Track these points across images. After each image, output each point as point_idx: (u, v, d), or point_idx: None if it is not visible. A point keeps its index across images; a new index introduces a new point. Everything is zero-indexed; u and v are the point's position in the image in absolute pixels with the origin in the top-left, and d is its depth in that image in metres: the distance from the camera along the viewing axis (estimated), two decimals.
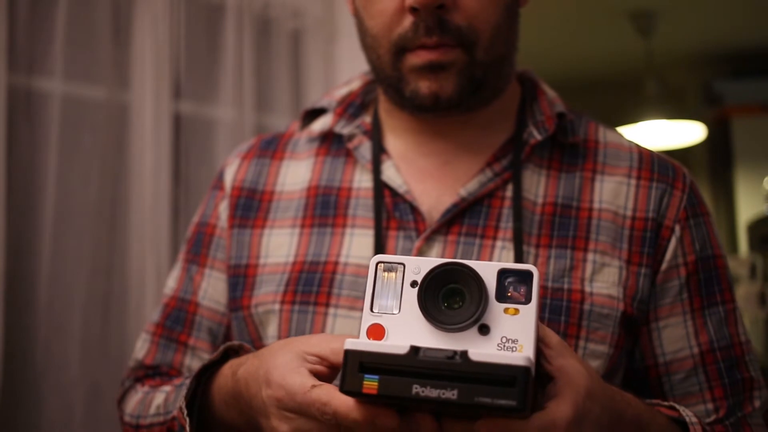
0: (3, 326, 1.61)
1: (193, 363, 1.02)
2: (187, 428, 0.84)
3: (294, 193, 1.03)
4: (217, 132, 2.18)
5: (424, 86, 0.92)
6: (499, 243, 0.93)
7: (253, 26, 2.25)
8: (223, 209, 1.05)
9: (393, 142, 1.02)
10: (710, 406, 0.92)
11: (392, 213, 0.96)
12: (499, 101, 1.00)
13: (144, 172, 1.95)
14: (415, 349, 0.63)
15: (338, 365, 0.72)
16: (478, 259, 0.92)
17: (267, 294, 0.97)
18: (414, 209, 0.95)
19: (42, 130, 1.77)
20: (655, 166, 0.99)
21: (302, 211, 1.01)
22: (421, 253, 0.93)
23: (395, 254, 0.93)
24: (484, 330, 0.67)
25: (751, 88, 4.67)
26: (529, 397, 0.61)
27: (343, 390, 0.64)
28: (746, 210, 4.57)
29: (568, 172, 0.98)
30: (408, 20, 0.90)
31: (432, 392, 0.61)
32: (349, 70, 2.23)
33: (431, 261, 0.68)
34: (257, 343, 0.97)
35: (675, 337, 0.94)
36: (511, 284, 0.68)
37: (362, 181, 1.00)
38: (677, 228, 0.95)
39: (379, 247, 0.94)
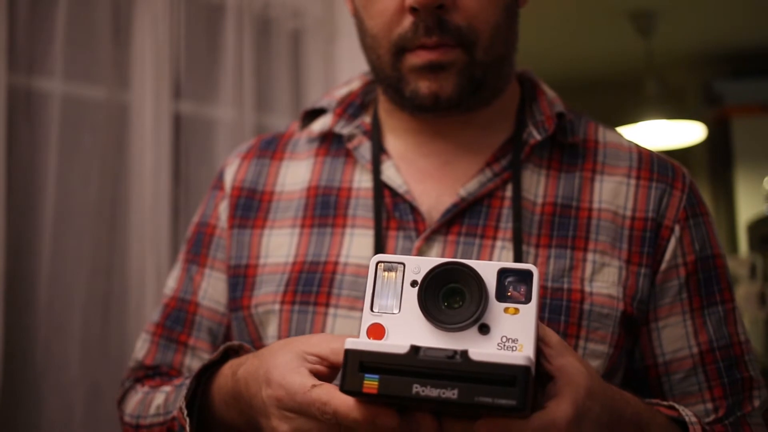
0: (3, 326, 1.61)
1: (193, 363, 1.02)
2: (187, 428, 0.84)
3: (294, 193, 1.03)
4: (217, 132, 2.19)
5: (423, 86, 0.92)
6: (498, 243, 0.93)
7: (253, 26, 2.25)
8: (223, 209, 1.05)
9: (393, 142, 1.02)
10: (710, 405, 0.92)
11: (392, 213, 0.96)
12: (498, 101, 1.00)
13: (144, 172, 1.95)
14: (415, 349, 0.63)
15: (338, 365, 0.72)
16: (477, 259, 0.92)
17: (267, 294, 0.97)
18: (414, 209, 0.95)
19: (42, 130, 1.78)
20: (655, 166, 0.99)
21: (302, 211, 1.01)
22: (421, 253, 0.93)
23: (395, 254, 0.93)
24: (484, 329, 0.67)
25: (751, 88, 4.67)
26: (529, 396, 0.61)
27: (344, 389, 0.64)
28: (746, 210, 4.57)
29: (567, 172, 0.98)
30: (408, 20, 0.90)
31: (432, 392, 0.61)
32: (349, 70, 2.23)
33: (431, 261, 0.68)
34: (257, 343, 0.97)
35: (674, 336, 0.94)
36: (511, 284, 0.68)
37: (362, 181, 1.00)
38: (677, 228, 0.95)
39: (379, 247, 0.94)
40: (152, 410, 0.94)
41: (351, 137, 1.02)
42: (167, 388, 0.96)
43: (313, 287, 0.95)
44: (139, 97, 1.97)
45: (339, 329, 0.92)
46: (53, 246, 1.76)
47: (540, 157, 0.99)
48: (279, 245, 1.00)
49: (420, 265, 0.69)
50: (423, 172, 0.99)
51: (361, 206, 0.98)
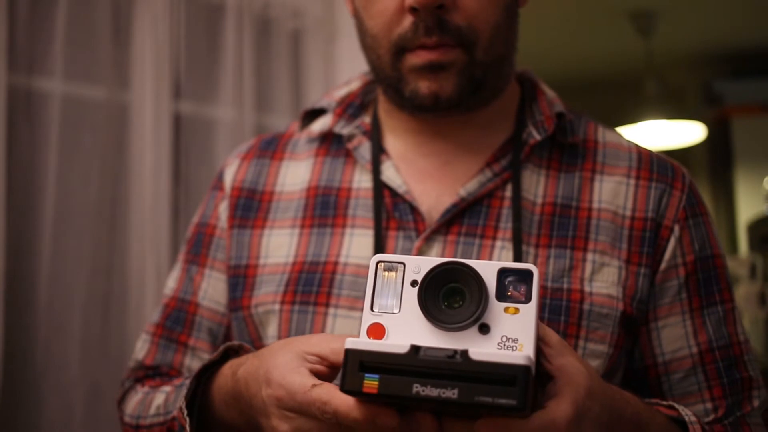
0: (3, 326, 1.61)
1: (193, 363, 1.02)
2: (187, 428, 0.84)
3: (294, 193, 1.03)
4: (217, 132, 2.19)
5: (423, 86, 0.92)
6: (498, 243, 0.93)
7: (253, 26, 2.25)
8: (223, 210, 1.05)
9: (392, 142, 1.02)
10: (709, 405, 0.92)
11: (392, 213, 0.96)
12: (498, 101, 1.00)
13: (144, 172, 1.95)
14: (415, 349, 0.63)
15: (338, 365, 0.72)
16: (477, 258, 0.92)
17: (267, 294, 0.97)
18: (414, 209, 0.95)
19: (42, 130, 1.78)
20: (655, 166, 0.99)
21: (302, 212, 1.01)
22: (420, 253, 0.93)
23: (395, 254, 0.93)
24: (485, 329, 0.67)
25: (751, 88, 4.67)
26: (529, 396, 0.61)
27: (344, 389, 0.64)
28: (746, 210, 4.57)
29: (567, 172, 0.98)
30: (408, 20, 0.90)
31: (432, 391, 0.61)
32: (349, 70, 2.23)
33: (431, 260, 0.68)
34: (257, 344, 0.97)
35: (674, 336, 0.94)
36: (511, 283, 0.68)
37: (362, 181, 1.00)
38: (676, 228, 0.95)
39: (379, 247, 0.94)
40: (152, 410, 0.94)
41: (351, 137, 1.02)
42: (167, 388, 0.96)
43: (313, 287, 0.95)
44: (139, 97, 1.97)
45: (339, 329, 0.92)
46: (53, 246, 1.76)
47: (540, 157, 0.99)
48: (279, 245, 1.00)
49: (420, 265, 0.69)
50: (423, 172, 0.99)
51: (361, 206, 0.98)
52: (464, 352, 0.62)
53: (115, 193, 1.91)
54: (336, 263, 0.96)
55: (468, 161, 0.98)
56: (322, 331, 0.93)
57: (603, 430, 0.70)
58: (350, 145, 1.02)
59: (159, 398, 0.95)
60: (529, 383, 0.61)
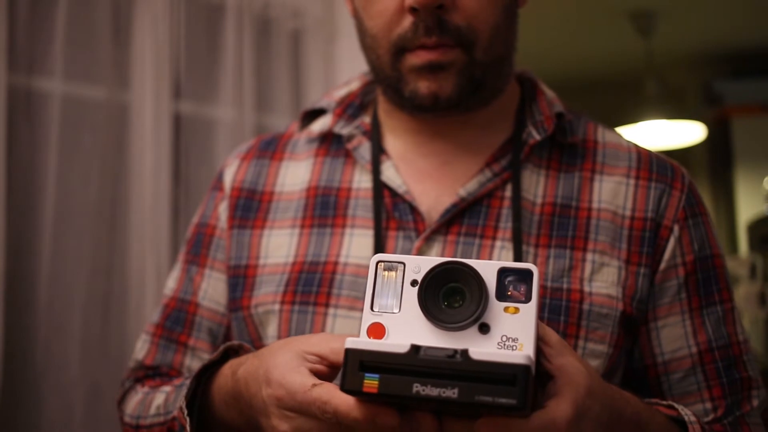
0: (3, 326, 1.61)
1: (193, 363, 1.02)
2: (188, 428, 0.84)
3: (293, 193, 1.03)
4: (217, 132, 2.19)
5: (423, 86, 0.92)
6: (498, 243, 0.93)
7: (253, 26, 2.25)
8: (223, 210, 1.05)
9: (392, 142, 1.02)
10: (708, 405, 0.92)
11: (392, 213, 0.96)
12: (498, 101, 1.00)
13: (144, 172, 1.95)
14: (415, 348, 0.63)
15: (338, 365, 0.72)
16: (477, 258, 0.92)
17: (267, 294, 0.97)
18: (413, 209, 0.95)
19: (42, 130, 1.78)
20: (654, 166, 0.99)
21: (302, 212, 1.01)
22: (420, 253, 0.93)
23: (395, 254, 0.93)
24: (485, 329, 0.67)
25: (751, 88, 4.67)
26: (529, 395, 0.61)
27: (344, 389, 0.64)
28: (746, 210, 4.57)
29: (567, 172, 0.98)
30: (407, 20, 0.90)
31: (432, 391, 0.61)
32: (349, 70, 2.23)
33: (431, 260, 0.68)
34: (257, 344, 0.97)
35: (673, 336, 0.94)
36: (511, 283, 0.68)
37: (362, 181, 1.00)
38: (676, 228, 0.95)
39: (379, 248, 0.94)
40: (152, 410, 0.94)
41: (350, 137, 1.02)
42: (167, 389, 0.96)
43: (313, 287, 0.95)
44: (139, 97, 1.97)
45: (339, 329, 0.92)
46: (53, 246, 1.77)
47: (539, 157, 0.99)
48: (279, 245, 1.00)
49: (420, 265, 0.69)
50: (422, 172, 0.99)
51: (361, 206, 0.98)
52: (464, 352, 0.62)
53: (115, 193, 1.91)
54: (336, 263, 0.96)
55: (468, 161, 0.98)
56: (322, 331, 0.93)
57: (603, 429, 0.71)
58: (350, 146, 1.02)
59: (159, 398, 0.95)
60: (529, 383, 0.61)
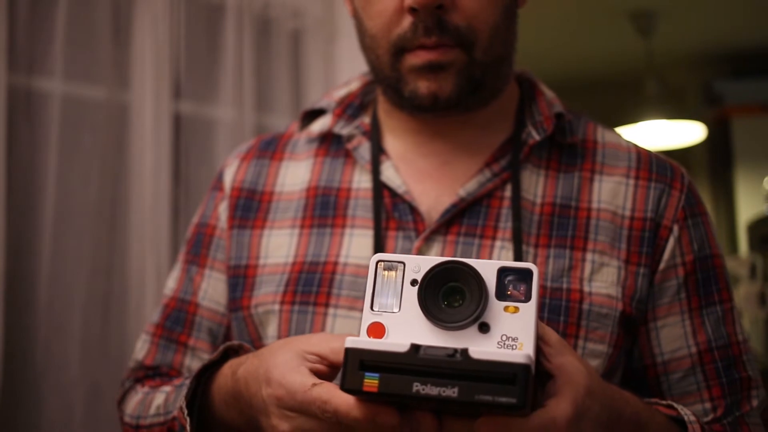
0: (3, 326, 1.61)
1: (193, 363, 1.02)
2: (188, 428, 0.84)
3: (293, 193, 1.03)
4: (217, 132, 2.19)
5: (423, 86, 0.92)
6: (498, 243, 0.93)
7: (253, 26, 2.25)
8: (223, 210, 1.06)
9: (392, 142, 1.02)
10: (708, 405, 0.92)
11: (391, 213, 0.96)
12: (497, 102, 1.00)
13: (144, 172, 1.95)
14: (415, 347, 0.63)
15: (338, 364, 0.72)
16: (477, 259, 0.92)
17: (267, 294, 0.97)
18: (413, 209, 0.95)
19: (42, 130, 1.78)
20: (654, 166, 0.99)
21: (302, 212, 1.01)
22: (420, 253, 0.93)
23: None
24: (484, 328, 0.67)
25: (751, 88, 4.67)
26: (529, 394, 0.61)
27: (344, 388, 0.64)
28: (746, 210, 4.57)
29: (566, 173, 0.98)
30: (407, 21, 0.90)
31: (432, 390, 0.62)
32: (349, 70, 2.23)
33: (431, 259, 0.68)
34: (257, 344, 0.97)
35: (673, 336, 0.94)
36: (511, 282, 0.68)
37: (361, 181, 1.00)
38: (675, 228, 0.95)
39: (379, 248, 0.94)
40: (152, 410, 0.94)
41: (350, 138, 1.02)
42: (167, 389, 0.96)
43: (313, 287, 0.95)
44: (139, 97, 1.97)
45: (339, 329, 0.92)
46: (53, 246, 1.77)
47: (539, 157, 0.99)
48: (279, 245, 1.00)
49: (420, 264, 0.69)
50: (422, 173, 0.99)
51: (361, 206, 0.98)
52: (464, 351, 0.62)
53: (115, 193, 1.91)
54: (336, 263, 0.96)
55: (467, 161, 0.98)
56: (322, 331, 0.93)
57: (602, 429, 0.71)
58: (350, 146, 1.02)
59: (159, 398, 0.95)
60: (529, 382, 0.61)
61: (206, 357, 1.00)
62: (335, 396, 0.67)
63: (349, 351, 0.64)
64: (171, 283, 1.08)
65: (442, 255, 0.92)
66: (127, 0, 1.97)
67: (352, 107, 1.06)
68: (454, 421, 0.66)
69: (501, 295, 0.67)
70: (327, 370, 0.73)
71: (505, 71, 0.99)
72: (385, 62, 0.94)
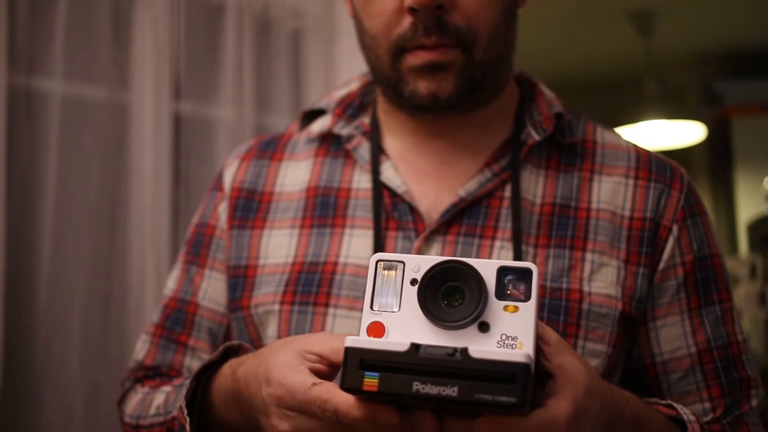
0: (3, 326, 1.61)
1: (193, 363, 1.02)
2: (188, 428, 0.84)
3: (293, 194, 1.03)
4: (217, 132, 2.19)
5: (422, 86, 0.92)
6: (497, 243, 0.93)
7: (253, 26, 2.25)
8: (223, 210, 1.06)
9: (392, 142, 1.02)
10: (707, 405, 0.93)
11: (391, 213, 0.96)
12: (497, 102, 1.00)
13: (144, 172, 1.95)
14: (415, 347, 0.63)
15: (338, 364, 0.72)
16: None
17: (267, 294, 0.97)
18: (413, 210, 0.95)
19: (42, 130, 1.78)
20: (653, 167, 0.99)
21: (301, 212, 1.01)
22: (420, 253, 0.93)
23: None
24: (484, 327, 0.67)
25: (751, 88, 4.68)
26: (529, 393, 0.62)
27: (344, 387, 0.64)
28: (746, 210, 4.57)
29: (566, 173, 0.98)
30: (407, 21, 0.90)
31: (432, 389, 0.62)
32: (349, 70, 2.23)
33: (431, 259, 0.69)
34: (257, 344, 0.97)
35: (672, 336, 0.94)
36: (511, 282, 0.68)
37: (361, 181, 1.00)
38: (675, 228, 0.95)
39: (379, 248, 0.94)
40: (152, 410, 0.94)
41: (350, 138, 1.02)
42: (167, 389, 0.96)
43: (313, 287, 0.95)
44: (139, 97, 1.97)
45: (338, 329, 0.92)
46: (53, 246, 1.77)
47: (539, 157, 0.99)
48: (278, 246, 1.00)
49: (420, 264, 0.69)
50: (422, 173, 0.99)
51: (361, 207, 0.98)
52: (464, 350, 0.62)
53: (115, 193, 1.91)
54: (335, 263, 0.96)
55: (467, 161, 0.98)
56: (322, 331, 0.93)
57: (602, 428, 0.71)
58: (349, 146, 1.02)
59: (159, 398, 0.95)
60: (529, 381, 0.61)
61: (206, 357, 1.00)
62: (335, 395, 0.67)
63: (348, 350, 0.64)
64: (171, 284, 1.08)
65: (441, 255, 0.92)
66: (127, 0, 1.97)
67: (352, 107, 1.06)
68: (454, 420, 0.66)
69: (501, 294, 0.67)
70: (327, 370, 0.73)
71: (505, 71, 0.99)
72: (384, 62, 0.94)
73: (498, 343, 0.66)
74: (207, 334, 1.03)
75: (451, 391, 0.61)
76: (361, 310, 0.69)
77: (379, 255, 0.70)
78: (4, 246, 1.62)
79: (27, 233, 1.74)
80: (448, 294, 0.68)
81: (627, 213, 0.96)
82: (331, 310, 0.93)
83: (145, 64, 1.97)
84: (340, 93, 1.09)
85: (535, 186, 0.97)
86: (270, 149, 1.09)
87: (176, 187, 2.05)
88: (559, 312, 0.90)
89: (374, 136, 1.02)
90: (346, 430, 0.68)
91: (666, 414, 0.84)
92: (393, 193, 0.97)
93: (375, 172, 0.98)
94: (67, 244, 1.80)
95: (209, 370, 0.88)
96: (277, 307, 0.96)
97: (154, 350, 1.04)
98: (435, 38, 0.89)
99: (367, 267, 0.71)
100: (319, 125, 1.07)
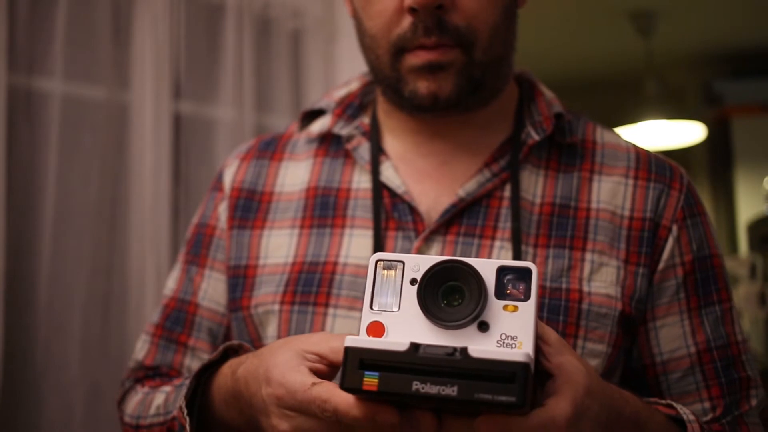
0: (3, 326, 1.61)
1: (193, 363, 1.02)
2: (187, 428, 0.84)
3: (293, 194, 1.03)
4: (217, 132, 2.19)
5: (422, 86, 0.92)
6: (497, 243, 0.93)
7: (253, 26, 2.25)
8: (223, 210, 1.06)
9: (391, 142, 1.02)
10: (707, 404, 0.93)
11: (391, 213, 0.96)
12: (497, 102, 1.00)
13: (144, 172, 1.95)
14: (415, 346, 0.63)
15: (338, 364, 0.72)
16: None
17: (267, 294, 0.97)
18: (413, 210, 0.95)
19: (42, 130, 1.78)
20: (653, 167, 0.99)
21: (301, 212, 1.01)
22: (420, 253, 0.93)
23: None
24: (484, 327, 0.67)
25: (751, 88, 4.68)
26: (528, 393, 0.62)
27: (344, 387, 0.64)
28: (746, 210, 4.57)
29: (566, 173, 0.98)
30: (407, 21, 0.90)
31: (432, 389, 0.62)
32: (349, 70, 2.23)
33: (431, 258, 0.69)
34: (257, 344, 0.97)
35: (672, 336, 0.94)
36: (510, 281, 0.68)
37: (361, 181, 1.00)
38: (674, 228, 0.95)
39: (378, 248, 0.94)
40: (152, 410, 0.94)
41: (350, 138, 1.02)
42: (167, 389, 0.96)
43: (313, 287, 0.95)
44: (139, 97, 1.97)
45: (338, 329, 0.92)
46: (53, 246, 1.77)
47: (538, 157, 0.99)
48: (278, 246, 1.00)
49: (419, 263, 0.69)
50: (422, 173, 0.99)
51: (360, 207, 0.98)
52: (464, 350, 0.62)
53: (115, 193, 1.91)
54: (335, 263, 0.96)
55: (467, 161, 0.99)
56: (322, 331, 0.93)
57: (602, 428, 0.71)
58: (349, 146, 1.02)
59: (159, 398, 0.95)
60: (529, 380, 0.61)
61: (206, 357, 1.00)
62: (335, 395, 0.67)
63: (348, 350, 0.64)
64: (171, 284, 1.08)
65: (441, 255, 0.92)
66: (127, 0, 1.97)
67: (352, 107, 1.06)
68: (453, 419, 0.66)
69: (500, 294, 0.67)
70: (327, 370, 0.73)
71: (505, 71, 0.99)
72: (384, 62, 0.94)
73: (497, 342, 0.66)
74: (207, 334, 1.03)
75: (451, 391, 0.61)
76: (361, 310, 0.69)
77: (379, 255, 0.70)
78: (4, 246, 1.62)
79: (27, 233, 1.74)
80: (448, 293, 0.68)
81: (627, 213, 0.96)
82: (331, 310, 0.93)
83: (145, 64, 1.97)
84: (340, 93, 1.09)
85: (535, 186, 0.97)
86: (270, 149, 1.09)
87: (176, 187, 2.05)
88: (559, 312, 0.90)
89: (374, 136, 1.02)
90: (346, 430, 0.68)
91: (666, 414, 0.84)
92: (393, 193, 0.97)
93: (375, 172, 0.98)
94: (67, 244, 1.80)
95: (209, 370, 0.88)
96: (277, 307, 0.96)
97: (154, 350, 1.04)
98: (435, 38, 0.89)
99: (366, 267, 0.71)
100: (319, 125, 1.07)
